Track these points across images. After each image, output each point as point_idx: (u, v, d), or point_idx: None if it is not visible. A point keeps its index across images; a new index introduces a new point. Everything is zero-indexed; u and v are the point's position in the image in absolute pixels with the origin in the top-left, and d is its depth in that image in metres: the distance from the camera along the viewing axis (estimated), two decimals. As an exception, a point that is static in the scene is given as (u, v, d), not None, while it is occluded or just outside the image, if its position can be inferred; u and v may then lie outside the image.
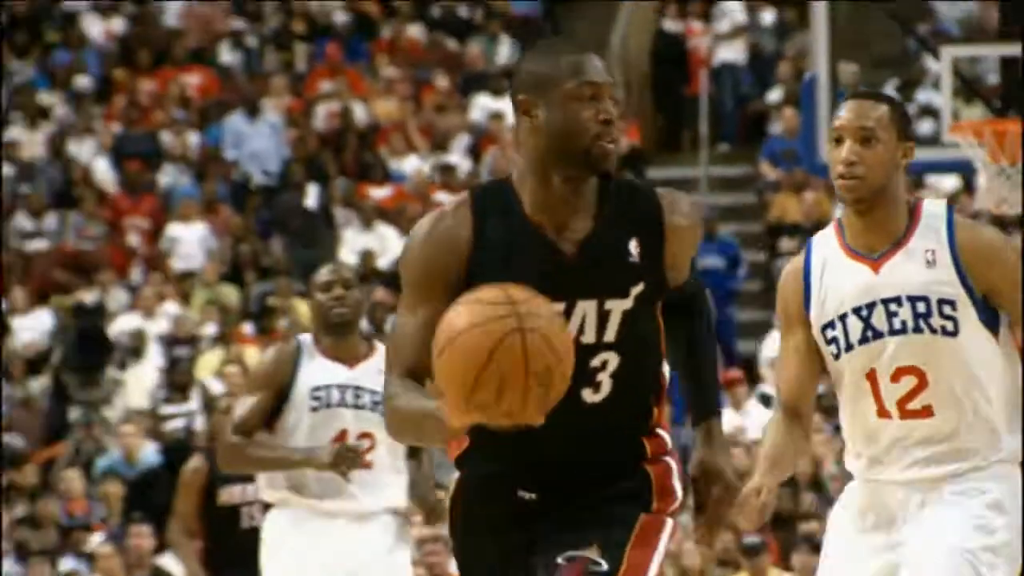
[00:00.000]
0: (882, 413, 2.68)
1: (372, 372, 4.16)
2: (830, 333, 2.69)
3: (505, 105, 11.57)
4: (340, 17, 14.08)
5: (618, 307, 2.07)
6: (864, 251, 2.68)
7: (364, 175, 13.25)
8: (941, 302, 2.62)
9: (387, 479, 4.38)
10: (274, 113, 13.45)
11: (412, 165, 13.21)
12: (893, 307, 2.64)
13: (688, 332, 2.27)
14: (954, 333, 2.62)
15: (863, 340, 2.66)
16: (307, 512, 4.45)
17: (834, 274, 2.66)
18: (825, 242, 2.73)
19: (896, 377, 2.66)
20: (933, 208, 2.72)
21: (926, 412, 2.66)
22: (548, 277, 2.02)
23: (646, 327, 2.12)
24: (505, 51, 14.01)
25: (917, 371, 2.65)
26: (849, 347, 2.68)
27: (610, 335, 2.07)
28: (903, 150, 2.70)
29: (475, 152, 13.49)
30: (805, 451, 3.06)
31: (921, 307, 2.63)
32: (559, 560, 2.05)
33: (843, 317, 2.66)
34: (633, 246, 2.08)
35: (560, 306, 2.01)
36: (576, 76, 2.06)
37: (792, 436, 2.78)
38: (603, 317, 2.07)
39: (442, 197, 11.32)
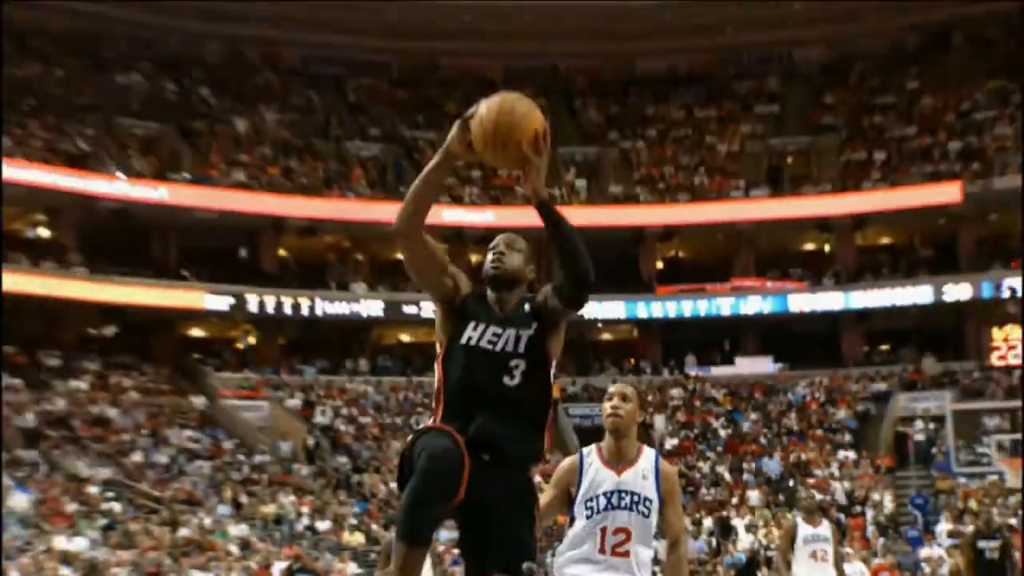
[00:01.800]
0: (602, 551, 4.67)
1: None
2: (590, 504, 4.70)
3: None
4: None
5: (524, 334, 3.76)
6: (613, 463, 4.73)
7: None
8: (645, 498, 4.70)
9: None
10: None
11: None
12: (624, 495, 4.68)
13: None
14: (647, 515, 4.70)
15: (605, 509, 4.69)
16: None
17: (596, 473, 4.70)
18: (590, 454, 4.79)
19: (616, 532, 4.68)
20: (648, 450, 4.81)
21: (626, 554, 4.68)
22: (495, 320, 3.75)
23: (540, 351, 3.76)
24: None
25: (627, 531, 4.69)
26: (597, 512, 4.69)
27: (521, 348, 3.75)
28: (642, 416, 5.56)
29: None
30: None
31: (636, 498, 4.69)
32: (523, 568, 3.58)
33: (596, 496, 4.68)
34: (526, 307, 3.79)
35: (500, 330, 3.76)
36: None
37: None
38: (518, 339, 3.75)
39: None
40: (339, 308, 31.75)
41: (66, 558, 19.55)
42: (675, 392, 32.08)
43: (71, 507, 22.43)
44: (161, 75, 34.42)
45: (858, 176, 33.76)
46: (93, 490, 23.68)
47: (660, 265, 34.77)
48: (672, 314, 32.86)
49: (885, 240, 34.52)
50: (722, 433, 30.26)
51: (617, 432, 4.73)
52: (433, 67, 37.21)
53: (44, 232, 30.56)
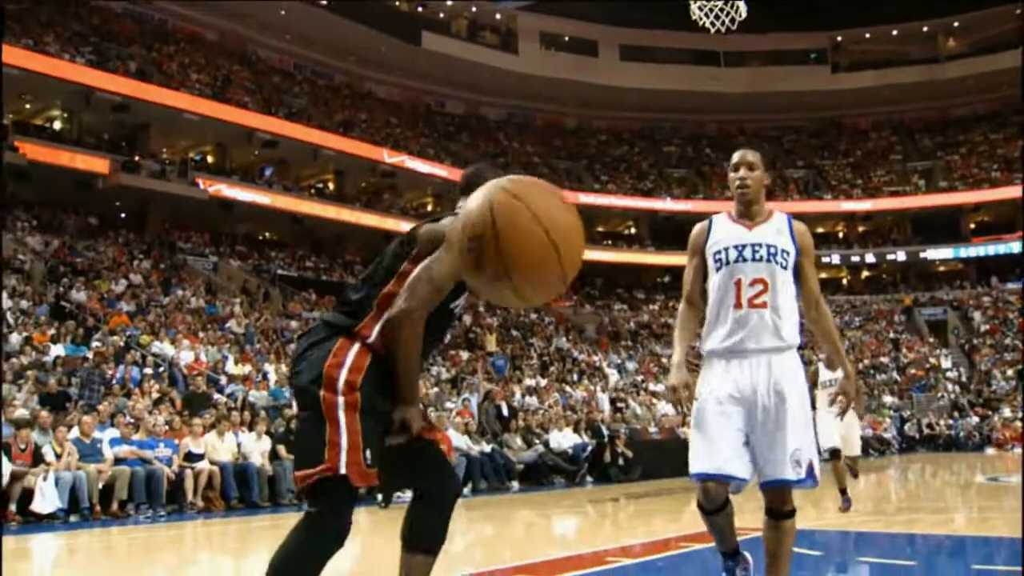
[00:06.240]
0: (738, 305, 4.24)
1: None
2: (718, 256, 4.34)
3: None
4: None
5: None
6: (744, 222, 4.36)
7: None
8: (783, 250, 4.26)
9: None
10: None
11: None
12: (758, 247, 4.28)
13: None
14: (785, 267, 4.24)
15: (736, 261, 4.27)
16: None
17: (725, 229, 4.37)
18: (719, 216, 4.45)
19: (753, 284, 4.25)
20: (780, 212, 4.38)
21: (763, 305, 4.22)
22: (461, 291, 3.66)
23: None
24: None
25: (764, 281, 4.24)
26: (726, 263, 4.28)
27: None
28: (767, 177, 4.48)
29: None
30: (698, 326, 4.50)
31: (773, 249, 4.27)
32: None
33: (726, 248, 4.30)
34: None
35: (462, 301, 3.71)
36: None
37: (693, 314, 4.43)
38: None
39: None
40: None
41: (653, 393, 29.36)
42: (986, 299, 46.57)
43: (654, 368, 35.41)
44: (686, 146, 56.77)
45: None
46: (664, 360, 36.55)
47: (972, 226, 50.86)
48: (982, 254, 49.27)
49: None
50: (1016, 321, 43.29)
51: (746, 200, 4.46)
52: (836, 125, 57.23)
53: (632, 230, 52.36)
